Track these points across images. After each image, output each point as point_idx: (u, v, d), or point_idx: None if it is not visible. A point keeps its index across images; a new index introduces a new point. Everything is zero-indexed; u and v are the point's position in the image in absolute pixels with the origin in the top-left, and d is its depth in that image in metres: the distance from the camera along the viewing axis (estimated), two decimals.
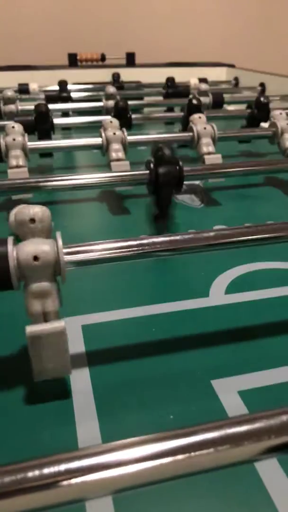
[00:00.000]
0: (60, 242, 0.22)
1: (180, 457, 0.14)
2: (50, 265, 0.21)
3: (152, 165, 0.41)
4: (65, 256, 0.22)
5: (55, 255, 0.21)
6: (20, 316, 0.30)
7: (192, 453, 0.14)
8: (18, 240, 0.22)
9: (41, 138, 0.59)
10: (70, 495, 0.13)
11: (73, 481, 0.13)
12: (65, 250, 0.22)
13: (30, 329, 0.21)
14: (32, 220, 0.22)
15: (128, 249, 0.24)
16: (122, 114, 0.64)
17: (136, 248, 0.24)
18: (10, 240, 0.21)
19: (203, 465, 0.14)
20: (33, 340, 0.21)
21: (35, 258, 0.21)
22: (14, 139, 0.49)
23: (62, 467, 0.13)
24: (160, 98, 0.96)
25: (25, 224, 0.22)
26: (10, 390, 0.24)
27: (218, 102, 0.83)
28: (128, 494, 0.14)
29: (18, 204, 0.31)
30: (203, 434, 0.14)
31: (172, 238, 0.25)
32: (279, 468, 0.19)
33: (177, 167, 0.40)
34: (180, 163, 0.41)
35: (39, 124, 0.59)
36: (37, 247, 0.21)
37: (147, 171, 0.42)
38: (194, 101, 0.64)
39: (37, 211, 0.22)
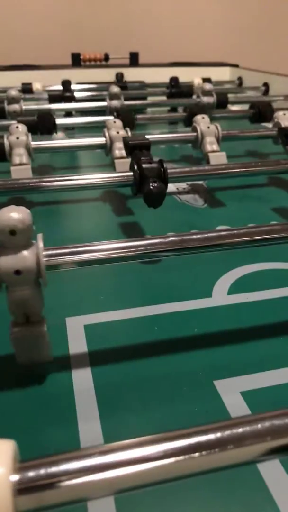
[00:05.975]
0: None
1: (182, 457, 0.14)
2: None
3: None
4: (66, 257, 0.22)
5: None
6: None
7: (194, 454, 0.14)
8: None
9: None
10: (72, 495, 0.13)
11: (75, 481, 0.13)
12: (67, 250, 0.22)
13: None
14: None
15: (132, 249, 0.24)
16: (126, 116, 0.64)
17: (139, 248, 0.24)
18: None
19: (205, 465, 0.14)
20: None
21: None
22: (17, 138, 0.49)
23: (64, 467, 0.13)
24: (164, 98, 0.96)
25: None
26: (11, 390, 0.24)
27: (222, 102, 0.83)
28: (130, 494, 0.14)
29: (19, 204, 0.31)
30: (205, 434, 0.14)
31: (175, 238, 0.25)
32: (282, 469, 0.19)
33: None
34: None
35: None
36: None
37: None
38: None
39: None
